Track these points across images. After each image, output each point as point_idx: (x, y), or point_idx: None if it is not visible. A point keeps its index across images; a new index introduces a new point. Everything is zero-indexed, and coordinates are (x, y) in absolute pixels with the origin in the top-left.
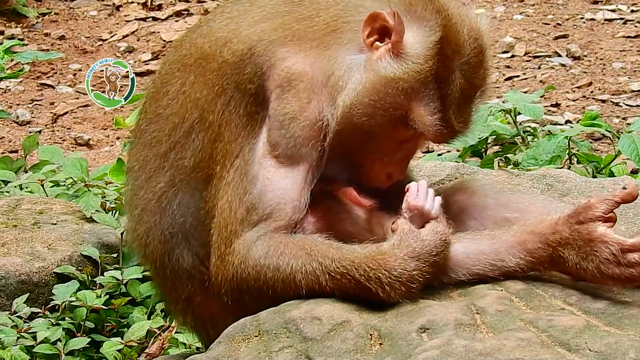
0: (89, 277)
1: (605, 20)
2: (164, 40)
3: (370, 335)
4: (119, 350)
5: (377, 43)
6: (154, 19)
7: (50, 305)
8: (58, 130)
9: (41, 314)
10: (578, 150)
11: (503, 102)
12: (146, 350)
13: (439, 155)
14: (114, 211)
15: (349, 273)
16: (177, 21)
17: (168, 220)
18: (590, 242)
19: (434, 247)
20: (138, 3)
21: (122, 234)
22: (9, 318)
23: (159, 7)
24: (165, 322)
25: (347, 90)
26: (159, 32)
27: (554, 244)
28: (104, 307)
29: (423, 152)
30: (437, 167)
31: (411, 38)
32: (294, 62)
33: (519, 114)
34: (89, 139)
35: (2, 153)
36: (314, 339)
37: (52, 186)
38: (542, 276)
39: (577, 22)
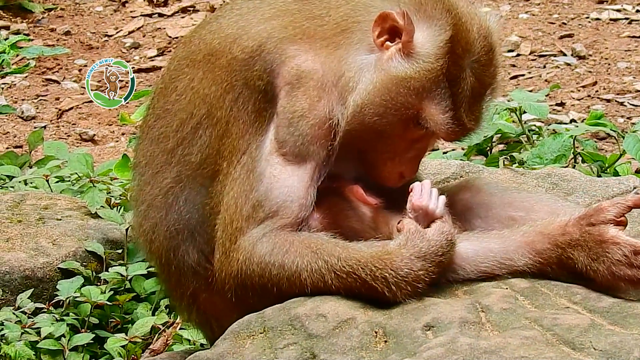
0: (94, 273)
1: (611, 19)
2: (170, 37)
3: (375, 332)
4: (123, 346)
5: (387, 43)
6: (160, 15)
7: (54, 301)
8: (63, 126)
9: (45, 310)
10: (583, 150)
11: (508, 101)
12: (150, 347)
13: (444, 153)
14: (119, 207)
15: (355, 272)
16: (183, 17)
17: (174, 217)
18: (602, 243)
19: (440, 247)
20: None
21: (127, 230)
22: (13, 313)
23: (165, 3)
24: (170, 318)
25: (357, 91)
26: (164, 29)
27: (563, 245)
28: (108, 303)
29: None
30: (443, 165)
31: (421, 37)
32: (304, 59)
33: (524, 112)
34: (94, 135)
35: (7, 148)
36: (319, 336)
37: (57, 182)
38: (547, 275)
39: (582, 22)
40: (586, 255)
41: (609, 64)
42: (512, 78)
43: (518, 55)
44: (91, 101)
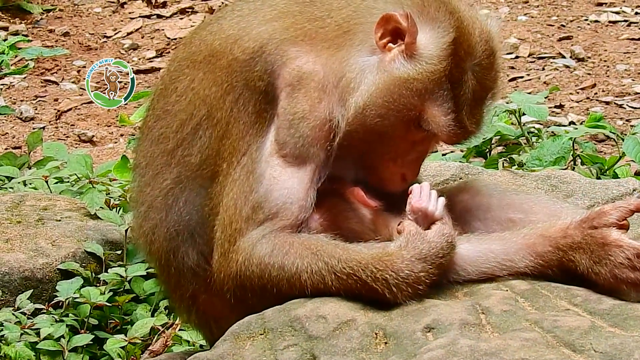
0: (93, 274)
1: (610, 22)
2: (169, 38)
3: (376, 334)
4: (122, 347)
5: (390, 45)
6: (159, 16)
7: (53, 302)
8: (62, 127)
9: (45, 311)
10: (582, 152)
11: (507, 103)
12: (150, 348)
13: (443, 155)
14: (118, 208)
15: (356, 274)
16: (181, 19)
17: (174, 218)
18: (605, 246)
19: (441, 248)
20: (142, 0)
21: (126, 231)
22: (13, 314)
23: (164, 5)
24: (169, 319)
25: (359, 92)
26: (163, 30)
27: (564, 248)
28: (107, 304)
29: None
30: (442, 167)
31: (424, 39)
32: (305, 61)
33: (524, 114)
34: (93, 136)
35: (6, 149)
36: (319, 338)
37: (56, 182)
38: (548, 277)
39: (581, 24)
40: (588, 258)
41: (608, 67)
42: (511, 80)
43: (517, 57)
44: (90, 102)
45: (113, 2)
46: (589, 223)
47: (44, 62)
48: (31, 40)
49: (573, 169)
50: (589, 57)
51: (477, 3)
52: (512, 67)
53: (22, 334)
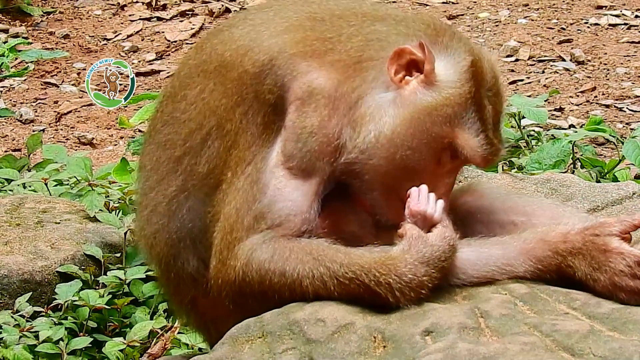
0: (92, 277)
1: (610, 25)
2: (169, 41)
3: (374, 337)
4: (121, 350)
5: (407, 78)
6: (159, 18)
7: (52, 305)
8: (61, 129)
9: (44, 313)
10: (582, 155)
11: (507, 106)
12: (148, 351)
13: None
14: (117, 211)
15: (358, 278)
16: (181, 21)
17: (176, 224)
18: (606, 252)
19: (443, 252)
20: (143, 3)
21: (125, 233)
22: (12, 317)
23: (164, 7)
24: (168, 322)
25: (379, 125)
26: (163, 32)
27: (564, 253)
28: (106, 307)
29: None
30: None
31: (442, 66)
32: (316, 76)
33: (523, 117)
34: (93, 138)
35: (6, 151)
36: (318, 341)
37: (55, 185)
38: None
39: (581, 27)
40: (587, 264)
41: (608, 70)
42: (510, 83)
43: (517, 60)
44: (90, 104)
45: (113, 5)
46: (592, 231)
47: (44, 65)
48: (31, 43)
49: (573, 172)
50: (589, 60)
51: (477, 6)
52: (512, 70)
53: (20, 337)
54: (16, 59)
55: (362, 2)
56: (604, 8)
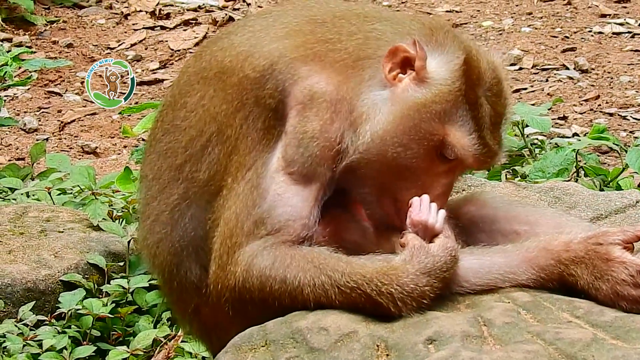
0: (95, 286)
1: (613, 33)
2: (172, 49)
3: (377, 346)
4: (124, 359)
5: (400, 76)
6: (162, 27)
7: (56, 313)
8: (65, 138)
9: (47, 322)
10: (585, 163)
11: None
12: (152, 359)
13: None
14: (120, 219)
15: (360, 287)
16: (185, 30)
17: (179, 233)
18: (608, 261)
19: (445, 263)
20: (146, 12)
21: (128, 242)
22: (15, 326)
23: (167, 16)
24: (172, 331)
25: (375, 122)
26: (166, 41)
27: (566, 262)
28: (110, 316)
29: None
30: None
31: (434, 64)
32: (317, 80)
33: (527, 126)
34: (96, 147)
35: (9, 160)
36: (321, 350)
37: (59, 194)
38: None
39: (585, 35)
40: (590, 273)
41: (612, 78)
42: (514, 92)
43: (520, 68)
44: (93, 113)
45: (117, 14)
46: (595, 240)
47: (47, 74)
48: (35, 52)
49: (576, 181)
50: (593, 69)
51: (480, 15)
52: (516, 79)
53: (24, 346)
54: (20, 68)
55: (364, 4)
56: (607, 17)
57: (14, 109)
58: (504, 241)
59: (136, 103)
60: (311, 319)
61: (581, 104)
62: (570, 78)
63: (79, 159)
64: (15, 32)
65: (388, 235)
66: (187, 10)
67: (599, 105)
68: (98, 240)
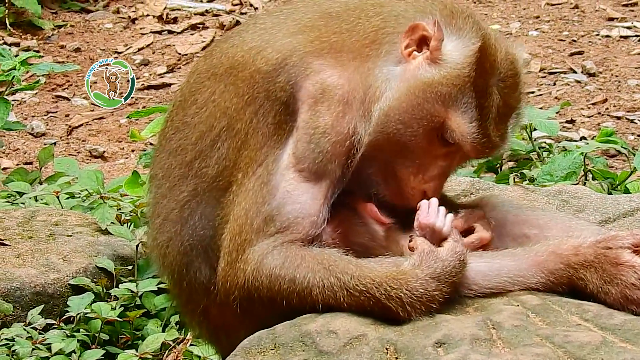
0: (104, 289)
1: (621, 37)
2: (179, 54)
3: (386, 349)
4: None
5: (415, 53)
6: (170, 32)
7: (65, 317)
8: (73, 143)
9: (56, 326)
10: (593, 167)
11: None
12: None
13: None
14: (129, 223)
15: (369, 291)
16: (192, 34)
17: (189, 232)
18: (618, 265)
19: (454, 267)
20: (154, 16)
21: (137, 246)
22: (24, 329)
23: (175, 21)
24: (180, 334)
25: (383, 99)
26: (174, 45)
27: (576, 266)
28: (118, 319)
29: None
30: (453, 182)
31: (450, 46)
32: (329, 74)
33: (535, 130)
34: (104, 151)
35: (18, 165)
36: (330, 353)
37: (67, 198)
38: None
39: (592, 39)
40: (599, 277)
41: (619, 82)
42: None
43: (528, 72)
44: (101, 118)
45: (124, 18)
46: (604, 244)
47: (55, 78)
48: (42, 56)
49: (584, 184)
50: (600, 72)
51: (487, 18)
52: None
53: (33, 349)
54: (27, 72)
55: None
56: (615, 20)
57: (22, 113)
58: (514, 244)
59: (144, 107)
60: (320, 322)
61: (589, 108)
62: (578, 81)
63: (87, 163)
64: (23, 37)
65: (397, 238)
66: (195, 14)
67: (607, 108)
68: (106, 244)
